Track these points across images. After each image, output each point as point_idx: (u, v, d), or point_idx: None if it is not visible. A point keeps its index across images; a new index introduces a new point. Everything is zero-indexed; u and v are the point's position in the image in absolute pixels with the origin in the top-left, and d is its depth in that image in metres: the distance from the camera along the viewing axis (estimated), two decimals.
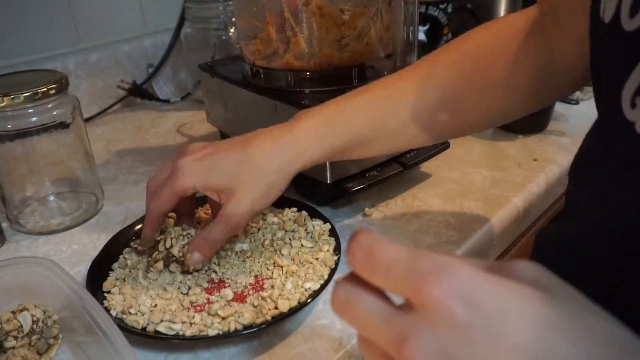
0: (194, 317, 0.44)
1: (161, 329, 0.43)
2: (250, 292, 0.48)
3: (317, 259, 0.51)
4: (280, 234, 0.54)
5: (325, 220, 0.55)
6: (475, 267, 0.22)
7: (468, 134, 0.56)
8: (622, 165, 0.34)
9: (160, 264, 0.49)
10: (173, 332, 0.43)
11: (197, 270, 0.50)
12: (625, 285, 0.34)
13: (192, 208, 0.55)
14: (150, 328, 0.44)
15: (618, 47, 0.32)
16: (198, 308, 0.46)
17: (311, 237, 0.54)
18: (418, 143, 0.52)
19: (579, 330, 0.21)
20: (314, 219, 0.56)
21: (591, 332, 0.21)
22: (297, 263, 0.50)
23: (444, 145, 0.66)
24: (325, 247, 0.52)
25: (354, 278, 0.24)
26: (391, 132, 0.49)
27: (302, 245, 0.53)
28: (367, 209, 0.61)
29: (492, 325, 0.21)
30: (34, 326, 0.43)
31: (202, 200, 0.60)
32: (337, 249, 0.51)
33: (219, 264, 0.51)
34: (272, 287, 0.48)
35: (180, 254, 0.49)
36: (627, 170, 0.33)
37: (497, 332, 0.21)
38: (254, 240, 0.54)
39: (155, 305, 0.46)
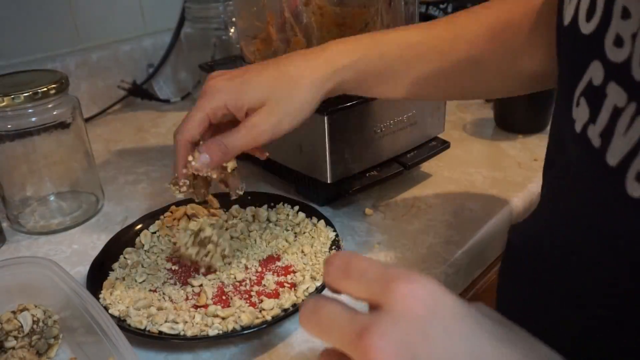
0: (194, 317, 0.44)
1: (163, 328, 0.43)
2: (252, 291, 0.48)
3: (317, 258, 0.51)
4: (280, 233, 0.54)
5: (325, 220, 0.55)
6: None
7: (482, 97, 0.56)
8: (567, 165, 0.35)
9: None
10: (175, 332, 0.43)
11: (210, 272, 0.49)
12: (578, 277, 0.35)
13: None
14: (151, 328, 0.44)
15: (575, 48, 0.33)
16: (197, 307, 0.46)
17: (311, 237, 0.54)
18: (438, 96, 0.53)
19: (526, 348, 0.25)
20: (314, 219, 0.56)
21: (535, 350, 0.25)
22: (297, 263, 0.50)
23: (444, 145, 0.66)
24: (325, 247, 0.52)
25: (321, 295, 0.26)
26: (419, 75, 0.48)
27: (302, 245, 0.53)
28: (367, 209, 0.61)
29: (449, 325, 0.23)
30: (35, 326, 0.43)
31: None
32: (336, 249, 0.51)
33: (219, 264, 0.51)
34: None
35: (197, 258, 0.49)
36: (571, 169, 0.34)
37: (453, 332, 0.23)
38: (254, 240, 0.54)
39: (152, 305, 0.46)
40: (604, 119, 0.29)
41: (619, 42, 0.28)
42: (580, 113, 0.31)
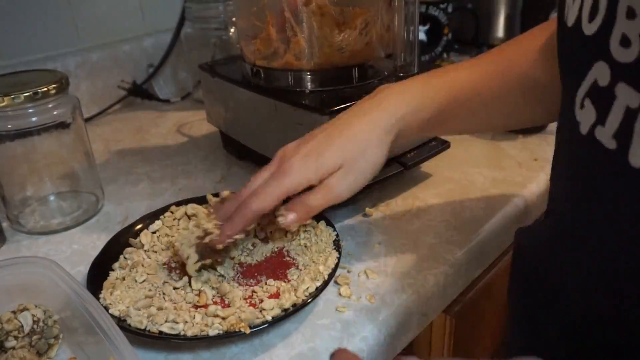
0: (194, 317, 0.44)
1: (163, 328, 0.43)
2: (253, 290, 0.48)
3: (317, 258, 0.51)
4: (280, 234, 0.54)
5: (325, 220, 0.55)
6: None
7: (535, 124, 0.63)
8: (573, 165, 0.35)
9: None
10: (175, 332, 0.43)
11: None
12: (593, 279, 0.34)
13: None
14: (151, 328, 0.44)
15: (578, 49, 0.33)
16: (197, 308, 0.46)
17: (311, 237, 0.54)
18: (496, 129, 0.60)
19: None
20: (313, 219, 0.56)
21: None
22: (297, 263, 0.50)
23: (444, 145, 0.66)
24: (325, 247, 0.52)
25: None
26: (473, 114, 0.51)
27: (302, 245, 0.53)
28: (367, 209, 0.61)
29: None
30: (35, 326, 0.43)
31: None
32: (337, 249, 0.51)
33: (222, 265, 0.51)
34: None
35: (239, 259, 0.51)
36: (581, 173, 0.34)
37: None
38: (254, 240, 0.54)
39: (152, 305, 0.46)
40: (615, 120, 0.28)
41: (625, 42, 0.27)
42: (586, 115, 0.31)
